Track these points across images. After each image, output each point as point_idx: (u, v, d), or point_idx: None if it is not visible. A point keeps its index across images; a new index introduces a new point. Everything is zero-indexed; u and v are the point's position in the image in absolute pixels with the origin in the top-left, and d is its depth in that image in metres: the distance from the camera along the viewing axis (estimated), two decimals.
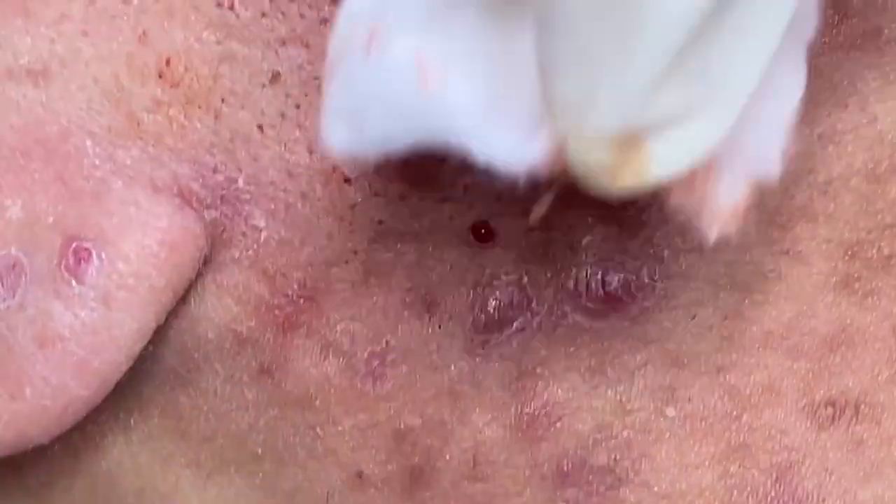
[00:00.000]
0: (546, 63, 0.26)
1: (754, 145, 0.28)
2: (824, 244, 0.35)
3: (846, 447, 0.36)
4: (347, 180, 0.34)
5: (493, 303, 0.35)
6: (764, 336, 0.35)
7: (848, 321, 0.35)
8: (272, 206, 0.35)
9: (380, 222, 0.35)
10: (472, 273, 0.35)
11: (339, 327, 0.35)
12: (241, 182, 0.35)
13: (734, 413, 0.36)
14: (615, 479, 0.36)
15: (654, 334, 0.35)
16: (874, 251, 0.35)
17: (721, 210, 0.27)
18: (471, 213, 0.35)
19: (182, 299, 0.36)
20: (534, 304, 0.35)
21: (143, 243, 0.34)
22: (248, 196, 0.35)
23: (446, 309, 0.35)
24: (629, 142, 0.26)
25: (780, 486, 0.36)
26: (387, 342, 0.36)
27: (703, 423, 0.36)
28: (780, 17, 0.26)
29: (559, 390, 0.36)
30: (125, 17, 0.34)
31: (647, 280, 0.35)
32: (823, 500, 0.36)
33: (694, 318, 0.35)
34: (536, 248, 0.35)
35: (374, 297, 0.35)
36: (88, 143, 0.34)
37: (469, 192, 0.35)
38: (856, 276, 0.35)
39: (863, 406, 0.36)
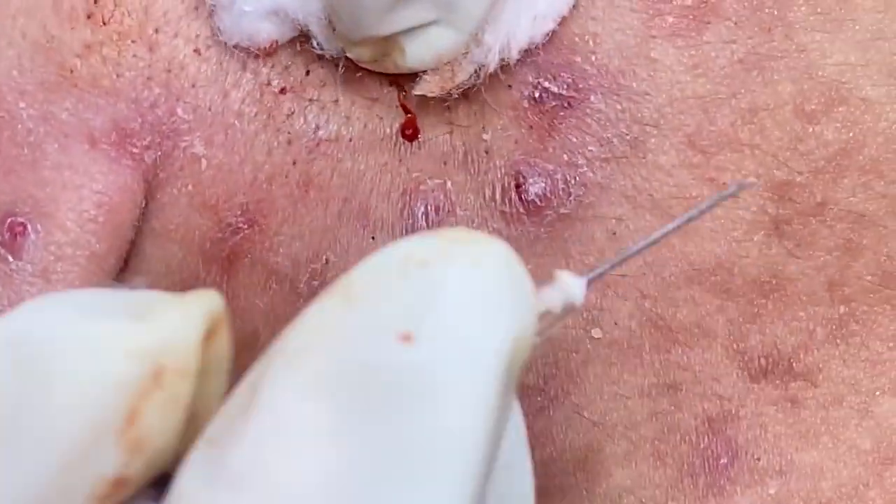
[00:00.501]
0: None
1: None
2: (752, 178, 0.33)
3: (780, 404, 0.35)
4: (283, 90, 0.34)
5: (421, 208, 0.35)
6: (690, 269, 0.34)
7: (779, 267, 0.34)
8: (210, 132, 0.34)
9: (316, 128, 0.35)
10: (401, 178, 0.35)
11: (281, 250, 0.35)
12: (179, 111, 0.34)
13: (662, 346, 0.34)
14: (546, 399, 0.35)
15: (575, 248, 0.34)
16: (806, 195, 0.33)
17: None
18: (398, 113, 0.35)
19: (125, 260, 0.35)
20: (458, 210, 0.35)
21: (79, 209, 0.34)
22: (186, 126, 0.34)
23: (379, 218, 0.35)
24: (382, 42, 0.32)
25: (712, 436, 0.35)
26: (326, 259, 0.35)
27: (631, 350, 0.35)
28: None
29: None
30: None
31: (562, 186, 0.34)
32: (758, 459, 0.34)
33: (614, 234, 0.34)
34: (457, 152, 0.34)
35: (314, 212, 0.35)
36: (22, 104, 0.34)
37: (392, 92, 0.35)
38: (786, 220, 0.33)
39: (796, 363, 0.34)
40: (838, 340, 0.34)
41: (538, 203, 0.34)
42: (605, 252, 0.34)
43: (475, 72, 0.33)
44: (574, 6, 0.33)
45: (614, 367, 0.35)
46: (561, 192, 0.34)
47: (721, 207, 0.33)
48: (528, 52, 0.33)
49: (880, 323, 0.34)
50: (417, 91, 0.33)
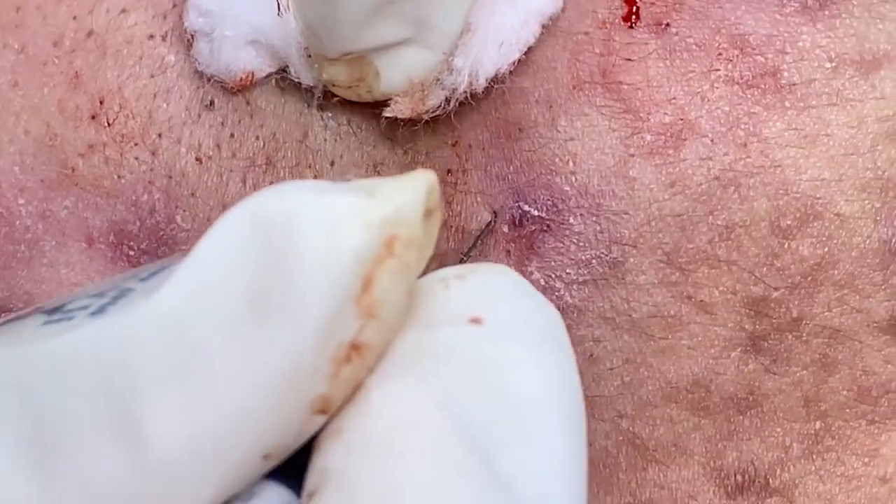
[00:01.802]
0: None
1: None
2: (729, 295, 0.33)
3: None
4: None
5: None
6: (668, 387, 0.34)
7: (756, 384, 0.34)
8: None
9: None
10: None
11: None
12: (178, 219, 0.34)
13: (639, 465, 0.34)
14: None
15: None
16: (782, 311, 0.33)
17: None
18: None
19: None
20: None
21: None
22: (184, 234, 0.34)
23: None
24: (358, 62, 0.33)
25: None
26: None
27: (607, 470, 0.34)
28: None
29: None
30: (56, 62, 0.34)
31: None
32: None
33: (591, 356, 0.34)
34: None
35: None
36: (21, 201, 0.34)
37: None
38: (763, 336, 0.34)
39: (772, 480, 0.34)
40: (814, 456, 0.34)
41: None
42: (583, 374, 0.34)
43: (446, 99, 0.33)
44: (552, 128, 0.33)
45: (590, 489, 0.34)
46: None
47: (698, 325, 0.33)
48: (505, 179, 0.34)
49: (855, 438, 0.34)
50: (388, 113, 0.33)
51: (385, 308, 0.25)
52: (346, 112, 0.35)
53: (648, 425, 0.34)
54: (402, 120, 0.33)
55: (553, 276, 0.33)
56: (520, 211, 0.33)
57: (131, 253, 0.34)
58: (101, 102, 0.34)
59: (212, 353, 0.25)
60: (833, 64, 0.33)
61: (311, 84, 0.34)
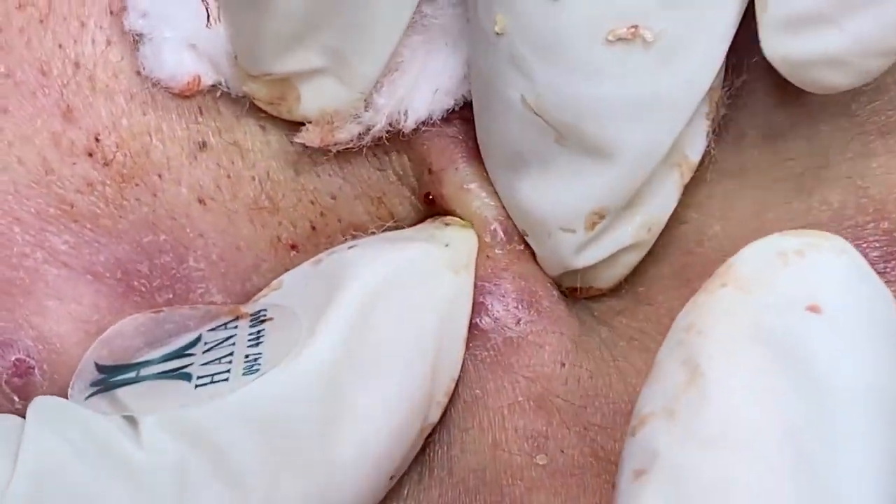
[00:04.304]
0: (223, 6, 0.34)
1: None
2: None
3: None
4: (294, 246, 0.35)
5: None
6: (631, 403, 0.35)
7: None
8: (225, 282, 0.34)
9: None
10: None
11: None
12: (191, 261, 0.34)
13: (604, 477, 0.35)
14: None
15: (523, 374, 0.35)
16: None
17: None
18: None
19: None
20: None
21: (88, 345, 0.33)
22: (199, 274, 0.34)
23: None
24: (281, 83, 0.34)
25: None
26: None
27: (573, 479, 0.35)
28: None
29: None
30: (46, 92, 0.34)
31: (512, 311, 0.35)
32: None
33: (563, 366, 0.35)
34: None
35: None
36: (16, 229, 0.33)
37: None
38: None
39: None
40: None
41: (481, 326, 0.35)
42: (552, 382, 0.35)
43: (359, 134, 0.34)
44: None
45: (558, 497, 0.35)
46: (509, 317, 0.35)
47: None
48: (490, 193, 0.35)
49: None
50: (297, 139, 0.35)
51: None
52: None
53: (611, 439, 0.35)
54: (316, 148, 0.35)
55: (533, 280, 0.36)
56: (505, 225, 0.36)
57: (143, 290, 0.34)
58: (96, 140, 0.34)
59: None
60: None
61: (239, 95, 0.34)
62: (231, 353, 0.31)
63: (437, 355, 0.32)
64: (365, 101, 0.34)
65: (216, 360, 0.31)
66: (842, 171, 0.34)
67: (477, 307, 0.35)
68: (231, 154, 0.35)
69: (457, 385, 0.35)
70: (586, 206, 0.33)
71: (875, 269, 0.29)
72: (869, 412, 0.26)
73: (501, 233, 0.36)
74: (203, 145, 0.35)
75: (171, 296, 0.34)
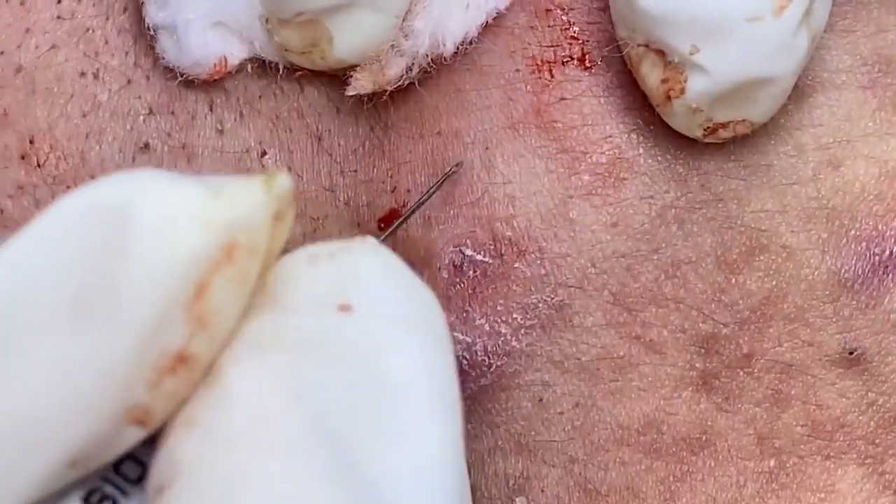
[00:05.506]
0: None
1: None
2: (678, 334, 0.33)
3: None
4: None
5: None
6: (619, 430, 0.33)
7: (709, 422, 0.33)
8: None
9: None
10: None
11: None
12: None
13: None
14: None
15: (500, 418, 0.33)
16: (732, 347, 0.33)
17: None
18: None
19: None
20: None
21: None
22: None
23: None
24: (311, 26, 0.32)
25: None
26: None
27: None
28: None
29: None
30: None
31: (481, 357, 0.33)
32: None
33: (541, 400, 0.33)
34: None
35: None
36: None
37: None
38: (714, 374, 0.33)
39: None
40: (769, 494, 0.33)
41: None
42: (532, 419, 0.33)
43: (408, 66, 0.33)
44: (489, 170, 0.33)
45: None
46: (481, 364, 0.33)
47: (648, 365, 0.33)
48: (445, 224, 0.33)
49: (811, 474, 0.33)
50: (350, 92, 0.33)
51: (218, 318, 0.24)
52: (283, 150, 0.34)
53: (601, 469, 0.33)
54: (366, 96, 0.33)
55: (499, 321, 0.33)
56: (461, 256, 0.33)
57: None
58: (31, 142, 0.33)
59: (18, 348, 0.24)
60: None
61: (276, 59, 0.34)
62: None
63: (146, 321, 0.25)
64: (402, 32, 0.33)
65: None
66: None
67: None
68: (176, 156, 0.34)
69: None
70: None
71: None
72: (414, 402, 0.24)
73: (460, 263, 0.33)
74: (145, 146, 0.34)
75: None
